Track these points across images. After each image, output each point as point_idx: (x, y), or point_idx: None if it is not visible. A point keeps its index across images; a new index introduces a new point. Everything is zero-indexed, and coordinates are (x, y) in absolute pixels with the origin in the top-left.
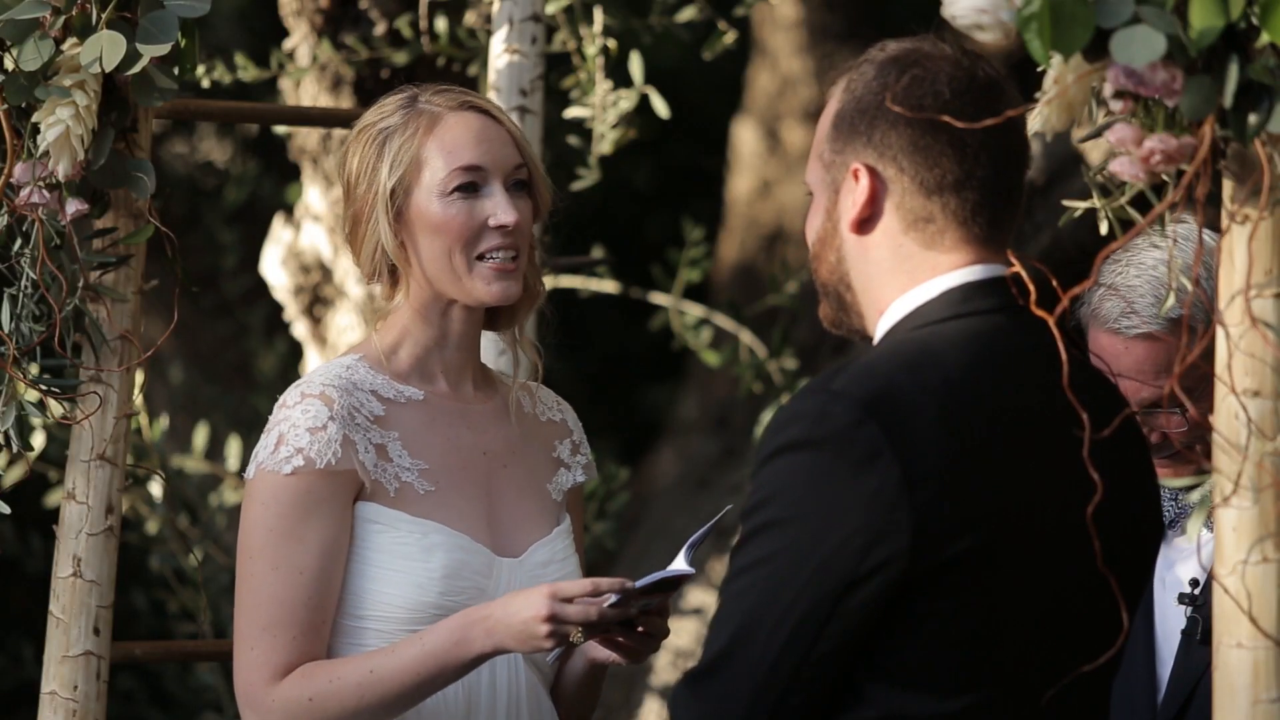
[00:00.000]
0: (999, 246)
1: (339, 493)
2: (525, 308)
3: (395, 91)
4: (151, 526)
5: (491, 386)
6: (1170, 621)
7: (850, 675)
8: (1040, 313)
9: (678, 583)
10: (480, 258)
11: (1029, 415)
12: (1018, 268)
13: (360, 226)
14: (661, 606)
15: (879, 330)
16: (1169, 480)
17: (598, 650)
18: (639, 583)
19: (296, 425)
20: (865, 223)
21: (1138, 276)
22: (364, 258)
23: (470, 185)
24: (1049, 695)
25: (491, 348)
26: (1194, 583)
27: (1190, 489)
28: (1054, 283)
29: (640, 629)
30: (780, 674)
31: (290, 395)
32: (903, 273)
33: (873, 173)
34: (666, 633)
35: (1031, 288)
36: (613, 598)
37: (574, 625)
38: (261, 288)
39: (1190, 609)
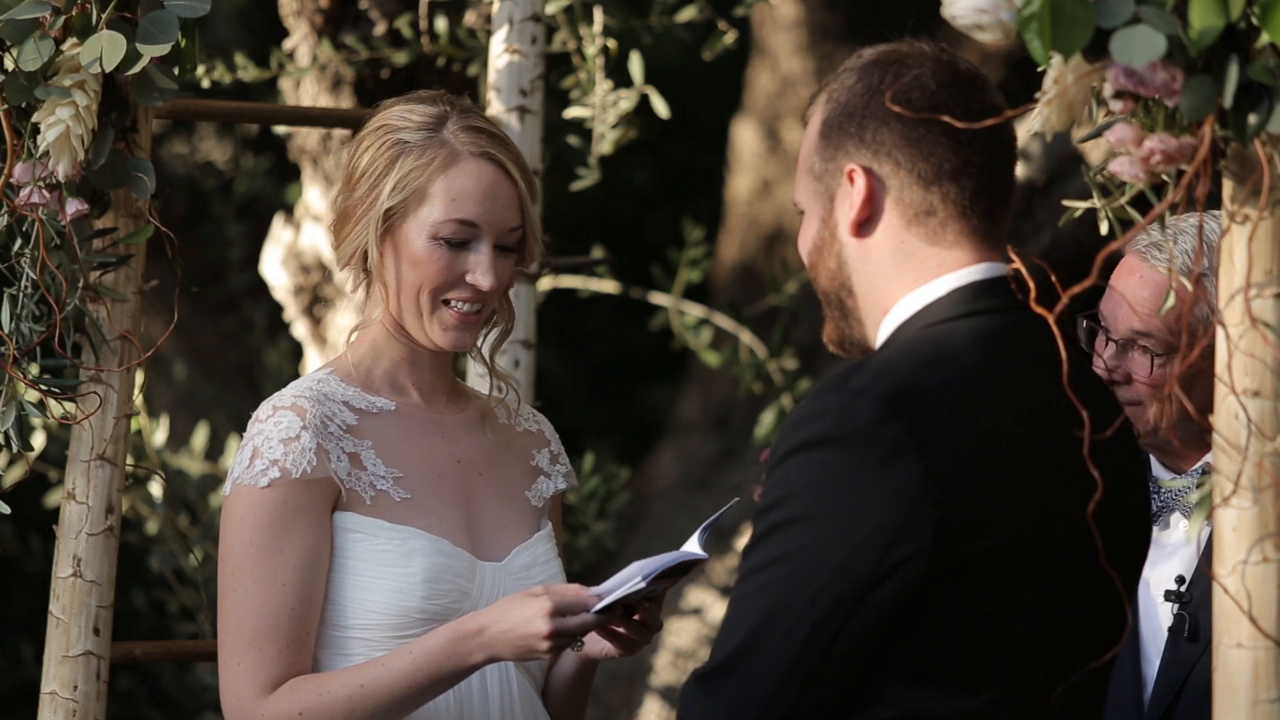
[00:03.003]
0: (997, 242)
1: (316, 502)
2: (497, 338)
3: (429, 100)
4: (151, 526)
5: (465, 399)
6: (1155, 619)
7: (867, 674)
8: (1040, 310)
9: (689, 567)
10: (446, 302)
11: (1038, 414)
12: (1019, 265)
13: (349, 224)
14: (660, 595)
15: (883, 330)
16: (1168, 481)
17: (592, 645)
18: (652, 570)
19: (270, 438)
20: (865, 224)
21: (1181, 225)
22: (343, 252)
23: (461, 238)
24: (1059, 692)
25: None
26: (1180, 580)
27: (1182, 488)
28: (1053, 279)
29: (637, 616)
30: (798, 672)
31: (262, 410)
32: (907, 271)
33: (868, 172)
34: (660, 624)
35: (1032, 285)
36: (609, 599)
37: (575, 638)
38: (263, 287)
39: (1177, 606)
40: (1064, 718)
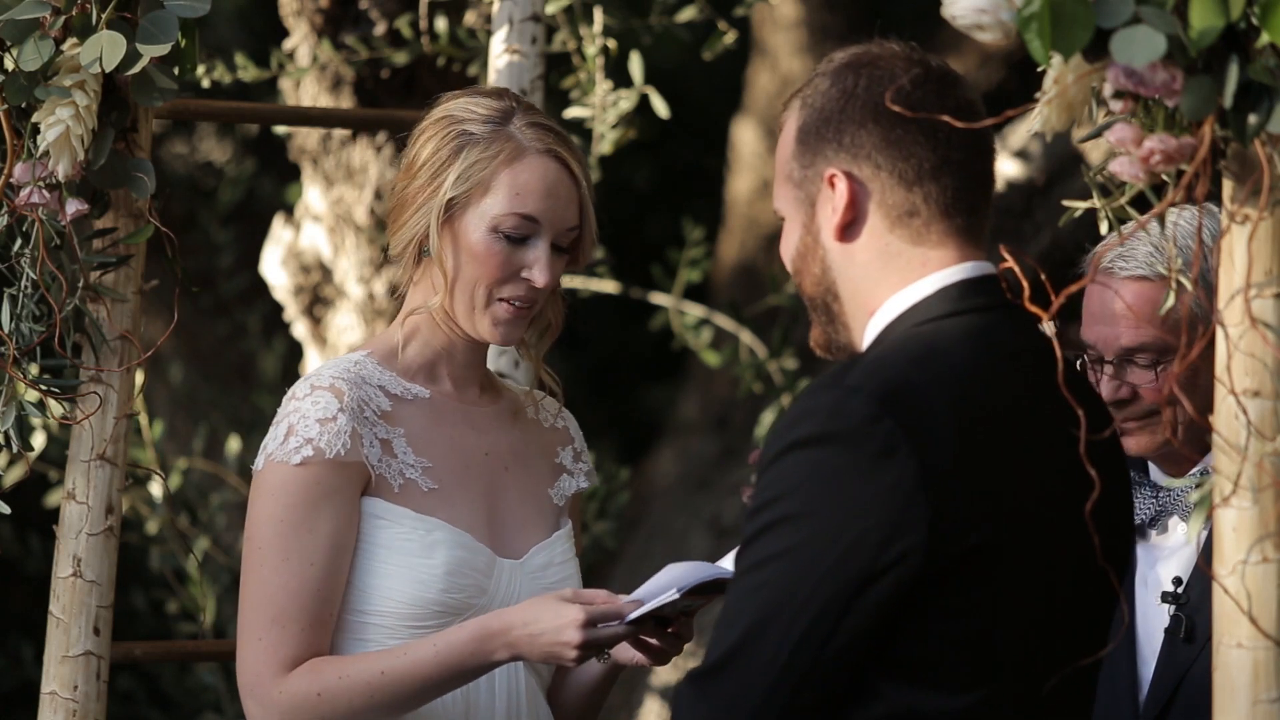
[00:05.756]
0: (980, 239)
1: (347, 485)
2: (543, 338)
3: (494, 94)
4: (151, 526)
5: (496, 391)
6: (1152, 620)
7: (862, 671)
8: (1036, 310)
9: (724, 585)
10: (501, 298)
11: (1025, 413)
12: (1010, 264)
13: (406, 211)
14: (694, 610)
15: (870, 331)
16: (1169, 481)
17: (622, 651)
18: (687, 583)
19: (306, 416)
20: (849, 227)
21: (1139, 231)
22: (399, 239)
23: (521, 233)
24: (1049, 687)
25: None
26: (1177, 581)
27: (1181, 490)
28: (1043, 278)
29: (671, 629)
30: (794, 671)
31: (300, 388)
32: (893, 272)
33: (849, 176)
34: (692, 635)
35: (1026, 285)
36: (642, 610)
37: (604, 649)
38: (261, 287)
39: (1174, 607)
40: (1056, 715)
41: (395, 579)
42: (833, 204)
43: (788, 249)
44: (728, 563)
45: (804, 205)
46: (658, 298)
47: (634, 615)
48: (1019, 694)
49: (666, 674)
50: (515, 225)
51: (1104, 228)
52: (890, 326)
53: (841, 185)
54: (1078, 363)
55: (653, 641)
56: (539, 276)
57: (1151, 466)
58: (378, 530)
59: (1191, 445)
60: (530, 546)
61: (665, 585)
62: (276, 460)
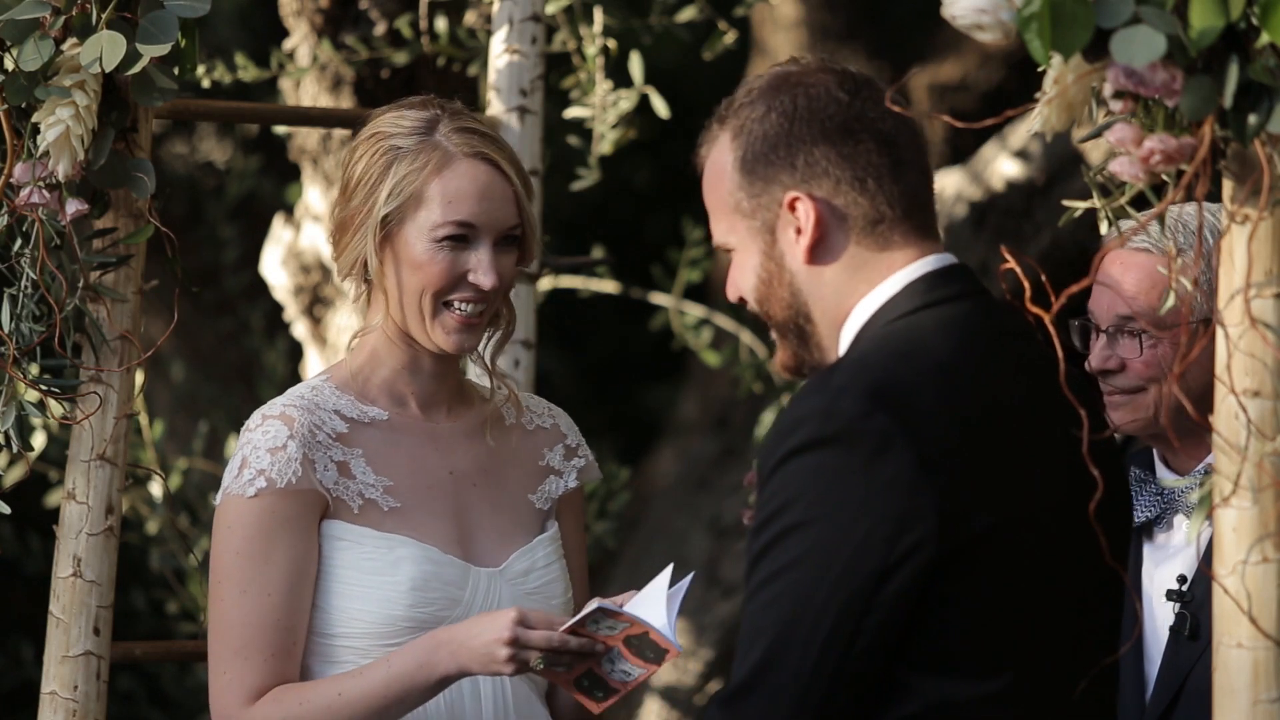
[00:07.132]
0: (936, 235)
1: (303, 512)
2: (498, 339)
3: (419, 105)
4: (151, 526)
5: (467, 405)
6: (1157, 618)
7: (891, 669)
8: (1037, 310)
9: (660, 653)
10: (448, 305)
11: (1012, 399)
12: (1011, 264)
13: (347, 233)
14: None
15: (844, 338)
16: (1172, 480)
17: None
18: (609, 605)
19: (258, 447)
20: (817, 248)
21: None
22: (344, 262)
23: (460, 238)
24: (1082, 686)
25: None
26: (1181, 579)
27: (1184, 489)
28: (1043, 278)
29: (611, 682)
30: (823, 675)
31: (253, 419)
32: (860, 281)
33: (811, 197)
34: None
35: (1027, 285)
36: (574, 620)
37: (535, 651)
38: (262, 287)
39: (1178, 605)
40: (1083, 704)
41: (361, 599)
42: (796, 226)
43: (746, 280)
44: (659, 622)
45: (761, 233)
46: (658, 298)
47: (568, 625)
48: (1045, 679)
49: (667, 674)
50: (453, 230)
51: (1104, 227)
52: (863, 329)
53: (805, 207)
54: (1075, 325)
55: (585, 683)
56: (484, 279)
57: (1158, 466)
58: (340, 552)
59: (1189, 440)
60: (509, 555)
61: (592, 605)
62: (232, 493)
